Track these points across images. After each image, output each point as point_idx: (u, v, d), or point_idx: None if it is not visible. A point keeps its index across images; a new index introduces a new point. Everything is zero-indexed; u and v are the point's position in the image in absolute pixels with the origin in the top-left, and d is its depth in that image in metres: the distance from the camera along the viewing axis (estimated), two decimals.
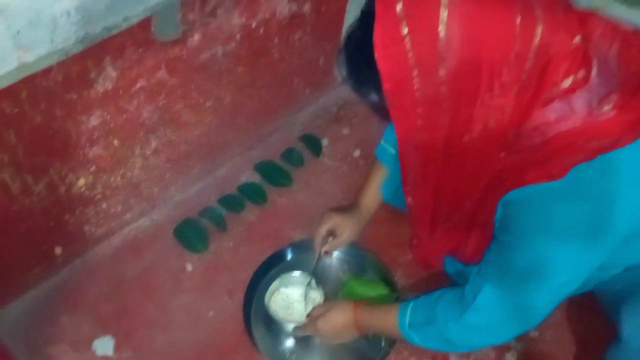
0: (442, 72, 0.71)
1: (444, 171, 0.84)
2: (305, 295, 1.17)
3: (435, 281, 1.19)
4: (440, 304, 0.91)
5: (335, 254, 1.24)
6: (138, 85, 1.06)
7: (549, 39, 0.70)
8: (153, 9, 0.85)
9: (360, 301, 1.08)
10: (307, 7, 1.30)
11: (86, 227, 1.19)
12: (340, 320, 1.06)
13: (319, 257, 1.18)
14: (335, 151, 1.48)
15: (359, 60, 0.76)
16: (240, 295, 1.18)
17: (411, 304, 0.97)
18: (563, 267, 0.82)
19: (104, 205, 1.19)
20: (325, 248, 1.18)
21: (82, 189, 1.11)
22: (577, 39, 0.71)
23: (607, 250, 0.82)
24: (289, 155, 1.45)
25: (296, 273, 1.19)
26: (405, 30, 0.70)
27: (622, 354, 0.86)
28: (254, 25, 1.20)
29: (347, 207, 1.21)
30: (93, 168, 1.10)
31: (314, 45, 1.40)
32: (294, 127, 1.52)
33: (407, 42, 0.70)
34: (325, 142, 1.50)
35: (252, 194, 1.36)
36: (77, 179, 1.08)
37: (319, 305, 1.12)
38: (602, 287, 0.94)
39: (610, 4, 1.29)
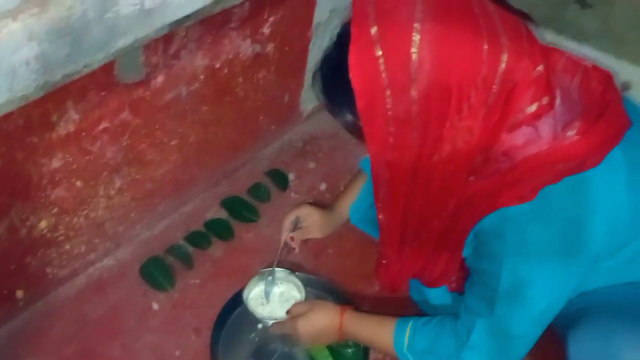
0: (413, 93, 0.75)
1: (413, 190, 0.87)
2: (265, 291, 1.16)
3: (402, 313, 1.20)
4: (440, 336, 0.92)
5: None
6: (101, 126, 1.07)
7: (514, 65, 0.75)
8: (115, 54, 0.86)
9: (347, 305, 1.07)
10: (270, 47, 1.33)
11: (49, 269, 1.17)
12: (323, 322, 1.06)
13: (284, 245, 1.20)
14: (301, 185, 1.50)
15: (334, 80, 0.80)
16: (207, 333, 1.18)
17: (410, 325, 0.97)
18: (544, 287, 0.85)
19: (67, 247, 1.18)
20: (291, 234, 1.19)
21: (44, 231, 1.10)
22: (540, 67, 0.77)
23: (583, 269, 0.86)
24: (256, 190, 1.46)
25: (276, 269, 1.20)
26: (379, 52, 0.74)
27: None
28: (217, 65, 1.23)
29: (323, 207, 1.26)
30: (55, 210, 1.09)
31: (278, 83, 1.43)
32: (260, 163, 1.53)
33: (381, 63, 0.74)
34: (291, 176, 1.52)
35: (218, 229, 1.37)
36: (39, 221, 1.07)
37: (301, 303, 1.12)
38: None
39: (560, 41, 1.36)
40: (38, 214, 1.07)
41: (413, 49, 0.73)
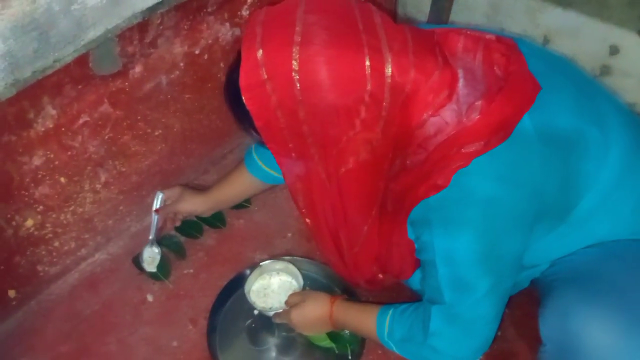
0: (301, 114, 0.77)
1: (331, 198, 0.88)
2: (141, 256, 1.24)
3: (398, 291, 1.20)
4: (413, 324, 0.93)
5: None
6: (81, 120, 1.05)
7: (400, 78, 0.75)
8: (86, 47, 0.84)
9: (337, 295, 1.08)
10: None
11: (39, 267, 1.17)
12: (315, 312, 1.07)
13: (156, 219, 1.25)
14: None
15: (237, 99, 0.80)
16: (203, 323, 1.18)
17: (389, 314, 0.97)
18: (479, 267, 0.84)
19: (56, 244, 1.17)
20: (156, 208, 1.23)
21: (31, 230, 1.09)
22: (435, 75, 0.77)
23: (516, 242, 0.85)
24: None
25: (276, 261, 1.21)
26: (265, 76, 0.75)
27: (543, 357, 0.88)
28: (197, 52, 1.21)
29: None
30: (40, 207, 1.08)
31: None
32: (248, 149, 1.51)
33: (268, 87, 0.75)
34: None
35: (210, 218, 1.35)
36: (25, 219, 1.06)
37: (296, 294, 1.13)
38: (536, 284, 0.97)
39: (544, 7, 1.33)
40: (23, 213, 1.06)
41: (294, 73, 0.74)
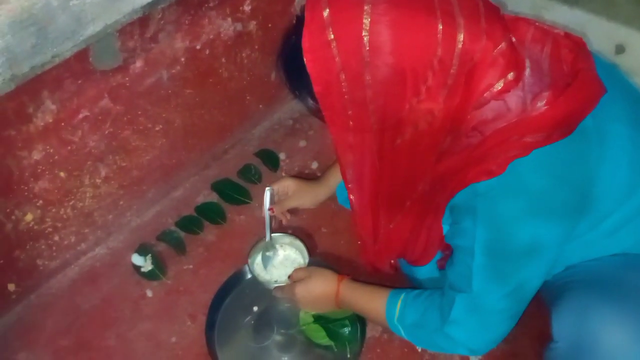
0: (367, 77, 0.73)
1: (380, 172, 0.86)
2: (263, 258, 1.18)
3: (392, 281, 1.19)
4: (428, 311, 0.92)
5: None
6: (81, 115, 1.05)
7: (471, 45, 0.73)
8: (86, 42, 0.84)
9: (345, 275, 1.07)
10: (252, 25, 1.29)
11: (39, 261, 1.17)
12: (320, 289, 1.06)
13: (270, 219, 1.19)
14: (292, 164, 1.48)
15: (293, 64, 0.78)
16: (202, 319, 1.17)
17: (401, 298, 0.97)
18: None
19: (56, 238, 1.17)
20: (270, 206, 1.19)
21: (31, 224, 1.09)
22: (503, 45, 0.74)
23: (557, 242, 0.84)
24: (246, 171, 1.44)
25: (283, 235, 1.21)
26: (331, 36, 0.72)
27: (553, 354, 0.87)
28: (198, 47, 1.20)
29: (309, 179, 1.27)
30: (40, 202, 1.08)
31: (263, 61, 1.40)
32: (250, 143, 1.51)
33: (334, 47, 0.73)
34: (282, 156, 1.49)
35: (210, 213, 1.35)
36: (24, 214, 1.06)
37: (301, 269, 1.12)
38: (545, 285, 0.96)
39: (551, 5, 1.32)
40: (23, 208, 1.06)
41: (364, 33, 0.71)
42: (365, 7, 0.71)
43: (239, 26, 1.25)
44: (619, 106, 0.85)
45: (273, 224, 1.22)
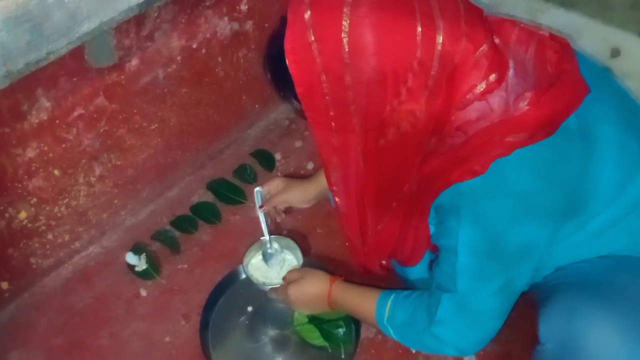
0: (347, 78, 0.74)
1: (365, 173, 0.87)
2: (264, 255, 1.19)
3: (385, 281, 1.19)
4: (416, 310, 0.93)
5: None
6: (75, 113, 1.04)
7: (451, 47, 0.73)
8: (81, 39, 0.84)
9: (337, 275, 1.08)
10: (249, 25, 1.29)
11: (32, 260, 1.16)
12: (313, 290, 1.07)
13: (265, 216, 1.20)
14: (288, 165, 1.48)
15: (278, 65, 0.78)
16: (196, 319, 1.17)
17: (391, 299, 0.97)
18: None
19: (50, 236, 1.16)
20: (260, 204, 1.20)
21: (24, 222, 1.08)
22: (484, 47, 0.75)
23: (540, 242, 0.85)
24: (242, 171, 1.44)
25: (278, 237, 1.21)
26: (312, 37, 0.73)
27: (540, 356, 0.87)
28: (194, 46, 1.20)
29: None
30: (34, 200, 1.07)
31: (259, 61, 1.38)
32: (246, 143, 1.51)
33: (315, 49, 0.74)
34: (278, 156, 1.49)
35: (205, 213, 1.35)
36: (18, 212, 1.06)
37: (295, 270, 1.13)
38: (535, 287, 0.97)
39: (547, 8, 1.32)
40: (16, 205, 1.05)
41: (343, 35, 0.72)
42: (345, 10, 0.72)
43: (235, 25, 1.25)
44: (607, 107, 0.86)
45: (269, 222, 1.22)
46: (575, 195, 0.83)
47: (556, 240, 0.87)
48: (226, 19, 1.22)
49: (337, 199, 0.96)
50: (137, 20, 1.02)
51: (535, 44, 0.81)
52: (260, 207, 1.20)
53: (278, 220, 1.28)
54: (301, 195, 1.24)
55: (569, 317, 0.82)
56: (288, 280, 1.10)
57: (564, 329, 0.82)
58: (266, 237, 1.20)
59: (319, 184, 1.25)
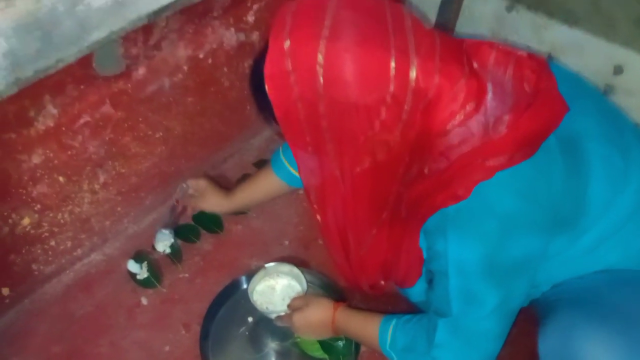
0: (321, 108, 0.76)
1: (343, 196, 0.88)
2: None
3: (394, 303, 1.19)
4: (417, 335, 0.93)
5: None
6: (82, 120, 1.05)
7: (424, 83, 0.75)
8: (90, 48, 0.84)
9: (340, 302, 1.08)
10: (255, 36, 1.30)
11: (34, 266, 1.16)
12: (317, 317, 1.07)
13: (173, 208, 1.27)
14: None
15: (260, 88, 0.80)
16: (196, 328, 1.17)
17: (393, 324, 0.97)
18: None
19: (52, 243, 1.16)
20: (176, 198, 1.25)
21: (27, 228, 1.08)
22: (462, 82, 0.77)
23: (530, 261, 0.85)
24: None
25: (282, 264, 1.20)
26: (289, 67, 0.75)
27: None
28: (201, 56, 1.20)
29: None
30: (38, 206, 1.07)
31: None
32: (249, 153, 1.51)
33: (291, 77, 0.75)
34: None
35: (207, 223, 1.35)
36: (21, 218, 1.06)
37: (299, 297, 1.13)
38: (535, 303, 0.97)
39: (551, 25, 1.33)
40: (20, 211, 1.05)
41: (318, 67, 0.74)
42: (322, 42, 0.73)
43: (241, 36, 1.26)
44: (589, 122, 0.87)
45: (173, 216, 1.29)
46: (561, 210, 0.83)
47: (549, 257, 0.87)
48: (232, 29, 1.23)
49: (317, 217, 0.98)
50: (145, 29, 1.03)
51: (514, 64, 0.82)
52: (176, 201, 1.26)
53: (192, 213, 1.33)
54: (213, 207, 1.29)
55: (566, 334, 0.82)
56: (292, 308, 1.10)
57: (562, 346, 0.83)
58: (168, 220, 1.27)
59: (234, 202, 1.29)
